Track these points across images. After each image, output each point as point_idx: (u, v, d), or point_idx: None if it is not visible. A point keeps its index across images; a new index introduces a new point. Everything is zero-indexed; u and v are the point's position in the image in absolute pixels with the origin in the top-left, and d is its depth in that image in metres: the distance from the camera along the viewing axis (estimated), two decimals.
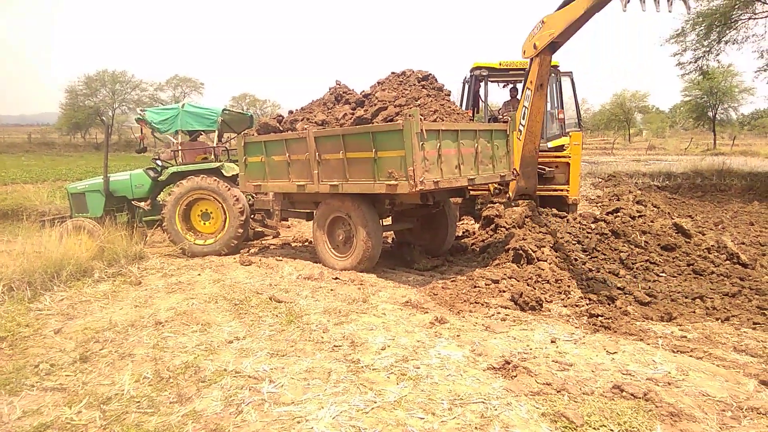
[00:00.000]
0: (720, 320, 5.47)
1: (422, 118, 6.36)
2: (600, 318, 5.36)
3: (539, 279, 6.43)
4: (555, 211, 8.66)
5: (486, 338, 4.72)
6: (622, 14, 6.23)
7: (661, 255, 6.98)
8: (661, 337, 4.91)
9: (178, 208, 8.76)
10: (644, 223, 7.66)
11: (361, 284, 6.44)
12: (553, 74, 10.38)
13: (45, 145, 51.29)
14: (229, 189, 8.70)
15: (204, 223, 8.98)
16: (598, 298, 5.92)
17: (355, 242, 7.13)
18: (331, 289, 6.21)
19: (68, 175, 22.67)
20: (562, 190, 10.12)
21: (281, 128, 7.97)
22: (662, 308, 5.77)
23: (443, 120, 6.92)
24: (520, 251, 6.97)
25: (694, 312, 5.69)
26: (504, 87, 11.45)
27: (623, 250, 7.04)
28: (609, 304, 5.83)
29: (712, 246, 7.17)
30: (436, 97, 7.40)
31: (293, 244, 9.81)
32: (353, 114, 7.17)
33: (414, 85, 7.48)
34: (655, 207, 11.94)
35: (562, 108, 10.61)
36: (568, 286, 6.26)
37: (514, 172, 7.84)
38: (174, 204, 8.74)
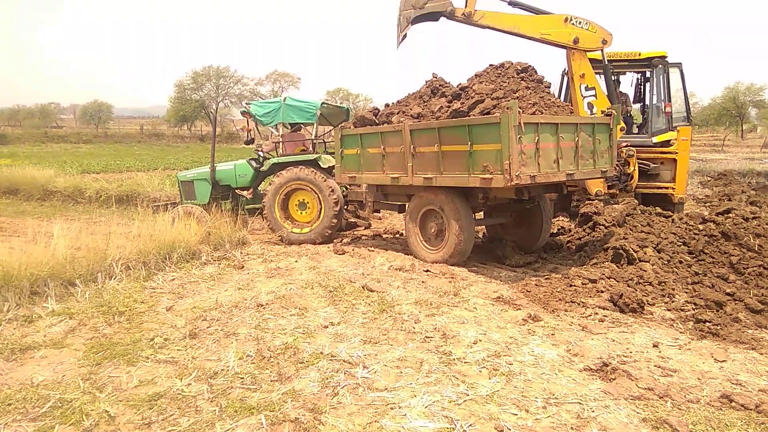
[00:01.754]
0: None
1: (520, 110, 6.24)
2: (707, 324, 5.05)
3: (641, 280, 6.14)
4: (659, 210, 8.21)
5: (582, 338, 4.60)
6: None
7: None
8: None
9: (277, 197, 9.13)
10: (758, 225, 7.09)
11: (452, 277, 6.43)
12: (660, 65, 9.86)
13: (155, 135, 55.07)
14: (325, 180, 8.95)
15: (301, 213, 9.29)
16: (705, 303, 5.58)
17: (447, 235, 7.12)
18: (422, 281, 6.26)
19: (176, 164, 24.24)
20: (667, 188, 9.59)
21: (377, 121, 8.10)
22: None
23: (542, 113, 6.75)
24: (621, 251, 6.69)
25: None
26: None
27: (734, 253, 6.57)
28: (717, 310, 5.47)
29: None
30: (536, 89, 7.22)
31: (384, 236, 9.95)
32: (449, 107, 7.15)
33: (512, 77, 7.33)
34: None
35: (670, 101, 10.02)
36: (673, 290, 5.94)
37: (617, 167, 7.53)
38: (274, 193, 9.11)
